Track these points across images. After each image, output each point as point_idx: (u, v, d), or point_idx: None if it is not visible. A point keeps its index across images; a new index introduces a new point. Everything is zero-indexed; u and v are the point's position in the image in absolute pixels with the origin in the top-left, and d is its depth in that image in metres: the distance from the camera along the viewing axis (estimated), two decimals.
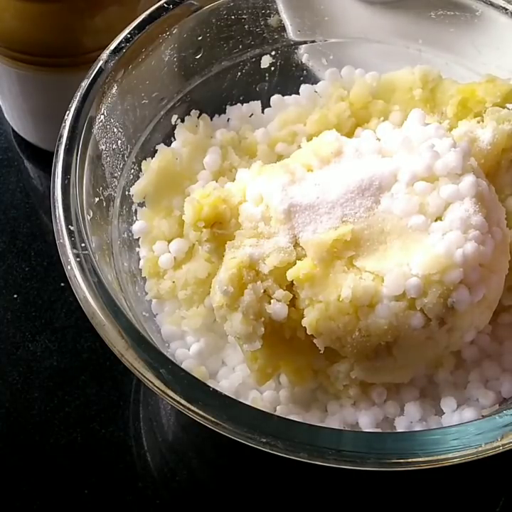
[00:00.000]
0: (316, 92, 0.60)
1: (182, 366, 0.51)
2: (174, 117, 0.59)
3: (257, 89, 0.62)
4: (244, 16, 0.59)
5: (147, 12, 0.56)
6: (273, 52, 0.61)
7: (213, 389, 0.44)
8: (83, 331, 0.64)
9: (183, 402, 0.43)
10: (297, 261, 0.49)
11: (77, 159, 0.50)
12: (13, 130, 0.74)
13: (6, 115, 0.73)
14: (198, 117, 0.60)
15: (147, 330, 0.52)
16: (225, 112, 0.61)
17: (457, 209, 0.48)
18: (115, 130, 0.55)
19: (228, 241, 0.50)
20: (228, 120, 0.61)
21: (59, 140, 0.51)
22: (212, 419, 0.43)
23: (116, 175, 0.55)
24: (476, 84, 0.57)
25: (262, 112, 0.61)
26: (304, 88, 0.61)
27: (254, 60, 0.61)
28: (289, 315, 0.49)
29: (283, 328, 0.50)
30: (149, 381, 0.44)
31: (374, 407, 0.52)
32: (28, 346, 0.64)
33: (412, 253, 0.48)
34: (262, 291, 0.49)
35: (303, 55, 0.62)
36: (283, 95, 0.61)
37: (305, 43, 0.62)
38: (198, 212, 0.51)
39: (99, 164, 0.53)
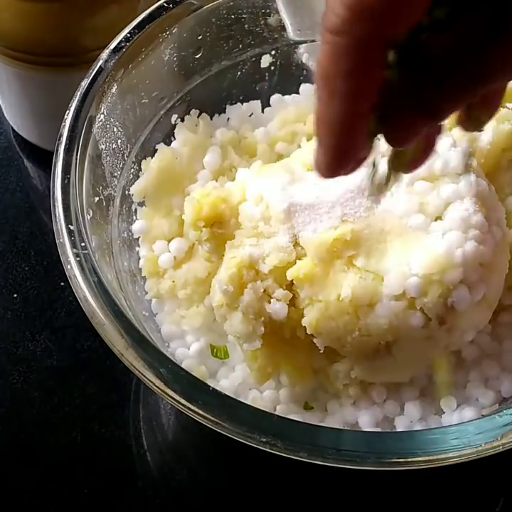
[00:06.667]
0: None
1: (182, 366, 0.51)
2: (174, 117, 0.59)
3: (257, 88, 0.62)
4: (244, 16, 0.59)
5: (147, 11, 0.56)
6: (273, 52, 0.61)
7: (213, 388, 0.44)
8: (83, 330, 0.64)
9: (182, 401, 0.43)
10: (297, 260, 0.49)
11: (77, 159, 0.50)
12: (13, 129, 0.74)
13: (5, 114, 0.73)
14: (198, 117, 0.60)
15: (147, 329, 0.52)
16: (224, 112, 0.61)
17: (457, 208, 0.48)
18: (115, 129, 0.55)
19: (228, 241, 0.50)
20: (228, 120, 0.61)
21: (59, 139, 0.51)
22: (212, 418, 0.43)
23: (116, 174, 0.55)
24: None
25: (262, 112, 0.61)
26: (304, 88, 0.61)
27: (254, 59, 0.61)
28: (288, 314, 0.49)
29: (283, 327, 0.50)
30: (149, 380, 0.44)
31: (374, 406, 0.52)
32: (27, 346, 0.64)
33: (411, 253, 0.48)
34: (262, 290, 0.49)
35: (303, 54, 0.62)
36: (283, 95, 0.61)
37: (305, 42, 0.62)
38: (198, 212, 0.51)
39: (99, 164, 0.53)
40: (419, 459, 0.42)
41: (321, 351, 0.50)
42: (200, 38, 0.59)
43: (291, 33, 0.61)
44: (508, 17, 0.32)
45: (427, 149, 0.38)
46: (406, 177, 0.49)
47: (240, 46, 0.60)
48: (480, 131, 0.46)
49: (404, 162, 0.39)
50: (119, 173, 0.56)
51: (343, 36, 0.32)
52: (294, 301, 0.49)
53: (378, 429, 0.51)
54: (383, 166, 0.40)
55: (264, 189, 0.51)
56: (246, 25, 0.60)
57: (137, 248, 0.57)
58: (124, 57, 0.54)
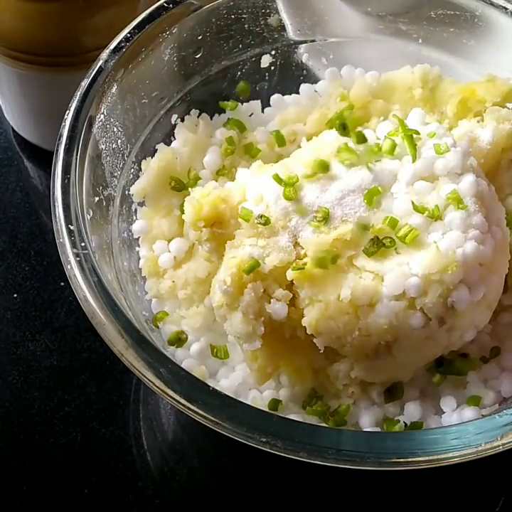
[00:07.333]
0: (315, 91, 0.60)
1: (182, 366, 0.51)
2: (174, 117, 0.59)
3: (257, 88, 0.62)
4: (244, 16, 0.59)
5: (147, 11, 0.56)
6: (273, 52, 0.61)
7: (213, 388, 0.44)
8: (83, 330, 0.64)
9: (183, 401, 0.43)
10: (297, 260, 0.49)
11: (77, 159, 0.50)
12: (13, 129, 0.74)
13: (5, 114, 0.73)
14: (198, 117, 0.60)
15: (147, 329, 0.52)
16: (224, 112, 0.61)
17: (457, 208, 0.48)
18: (115, 129, 0.55)
19: (228, 240, 0.50)
20: (228, 119, 0.61)
21: (59, 139, 0.51)
22: (212, 418, 0.43)
23: (116, 174, 0.55)
24: (476, 83, 0.57)
25: (262, 112, 0.61)
26: (304, 87, 0.61)
27: (254, 59, 0.61)
28: (288, 314, 0.49)
29: (283, 327, 0.50)
30: (149, 380, 0.44)
31: (374, 406, 0.52)
32: (27, 345, 0.64)
33: (411, 253, 0.48)
34: (262, 290, 0.49)
35: (303, 54, 0.62)
36: (283, 95, 0.61)
37: (305, 42, 0.62)
38: (198, 212, 0.51)
39: (99, 164, 0.53)
40: (419, 459, 0.42)
41: (321, 351, 0.50)
42: (200, 38, 0.59)
43: (291, 32, 0.61)
44: None
45: None
46: (406, 177, 0.49)
47: (240, 46, 0.60)
48: None
49: None
50: (119, 173, 0.56)
51: None
52: (294, 301, 0.49)
53: (378, 430, 0.51)
54: None
55: (264, 189, 0.51)
56: (246, 25, 0.60)
57: (137, 248, 0.57)
58: (124, 57, 0.54)
